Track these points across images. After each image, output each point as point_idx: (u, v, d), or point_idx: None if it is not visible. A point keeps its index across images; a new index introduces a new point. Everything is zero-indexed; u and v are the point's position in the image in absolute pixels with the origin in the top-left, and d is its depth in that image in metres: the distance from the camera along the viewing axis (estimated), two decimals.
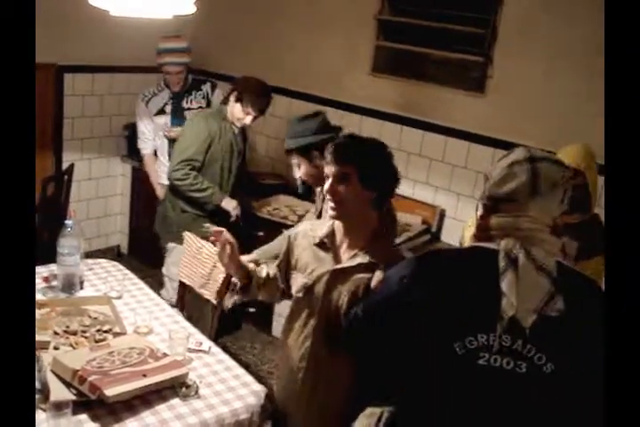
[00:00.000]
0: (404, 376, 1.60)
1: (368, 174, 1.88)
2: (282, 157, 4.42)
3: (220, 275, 2.96)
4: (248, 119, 3.45)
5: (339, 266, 1.97)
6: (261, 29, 4.40)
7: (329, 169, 1.92)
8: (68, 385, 1.96)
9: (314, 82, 4.16)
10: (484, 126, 3.45)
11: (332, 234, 2.02)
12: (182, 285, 3.27)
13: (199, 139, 3.44)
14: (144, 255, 4.70)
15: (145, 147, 4.18)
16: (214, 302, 3.00)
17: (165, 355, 2.18)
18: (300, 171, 2.70)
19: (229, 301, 2.59)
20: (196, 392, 2.08)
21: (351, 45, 3.94)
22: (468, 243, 2.57)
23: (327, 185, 1.92)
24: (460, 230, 3.63)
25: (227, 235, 2.08)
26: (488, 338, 1.42)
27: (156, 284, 3.79)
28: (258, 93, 3.40)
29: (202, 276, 3.10)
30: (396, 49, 3.79)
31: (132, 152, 4.59)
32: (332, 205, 1.92)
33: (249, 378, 2.23)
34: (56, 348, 2.19)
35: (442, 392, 1.49)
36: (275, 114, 4.14)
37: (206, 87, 4.09)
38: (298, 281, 2.06)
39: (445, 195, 3.67)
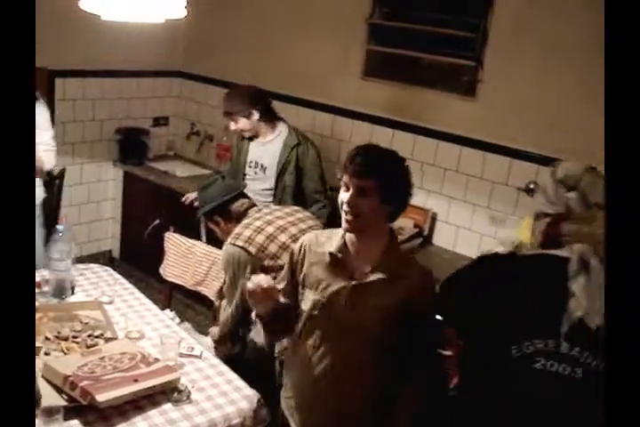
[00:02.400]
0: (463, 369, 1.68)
1: (388, 189, 1.84)
2: None
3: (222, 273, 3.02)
4: (231, 125, 3.53)
5: (358, 282, 1.89)
6: (252, 33, 4.40)
7: (350, 181, 1.84)
8: (60, 391, 1.95)
9: (305, 86, 4.16)
10: (475, 130, 3.46)
11: (344, 247, 1.93)
12: (170, 284, 3.34)
13: None
14: (136, 260, 4.68)
15: None
16: (213, 298, 3.03)
17: (157, 360, 2.17)
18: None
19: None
20: (188, 397, 2.07)
21: (342, 49, 3.95)
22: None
23: (347, 197, 1.84)
24: (452, 234, 3.65)
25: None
26: (546, 344, 1.47)
27: (148, 289, 3.77)
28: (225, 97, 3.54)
29: (197, 274, 3.16)
30: (387, 53, 3.80)
31: (124, 157, 4.58)
32: (348, 217, 1.85)
33: (241, 383, 2.22)
34: (47, 353, 2.18)
35: (494, 391, 1.54)
36: None
37: None
38: (309, 298, 1.95)
39: (437, 198, 3.67)
